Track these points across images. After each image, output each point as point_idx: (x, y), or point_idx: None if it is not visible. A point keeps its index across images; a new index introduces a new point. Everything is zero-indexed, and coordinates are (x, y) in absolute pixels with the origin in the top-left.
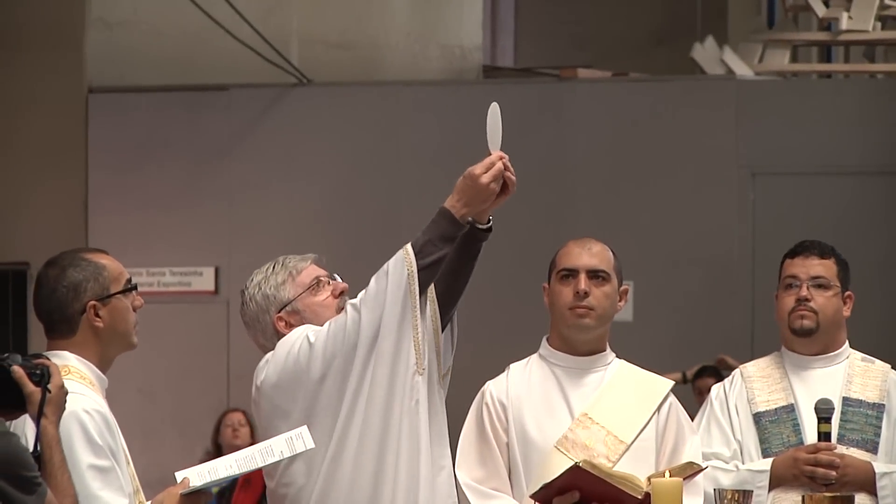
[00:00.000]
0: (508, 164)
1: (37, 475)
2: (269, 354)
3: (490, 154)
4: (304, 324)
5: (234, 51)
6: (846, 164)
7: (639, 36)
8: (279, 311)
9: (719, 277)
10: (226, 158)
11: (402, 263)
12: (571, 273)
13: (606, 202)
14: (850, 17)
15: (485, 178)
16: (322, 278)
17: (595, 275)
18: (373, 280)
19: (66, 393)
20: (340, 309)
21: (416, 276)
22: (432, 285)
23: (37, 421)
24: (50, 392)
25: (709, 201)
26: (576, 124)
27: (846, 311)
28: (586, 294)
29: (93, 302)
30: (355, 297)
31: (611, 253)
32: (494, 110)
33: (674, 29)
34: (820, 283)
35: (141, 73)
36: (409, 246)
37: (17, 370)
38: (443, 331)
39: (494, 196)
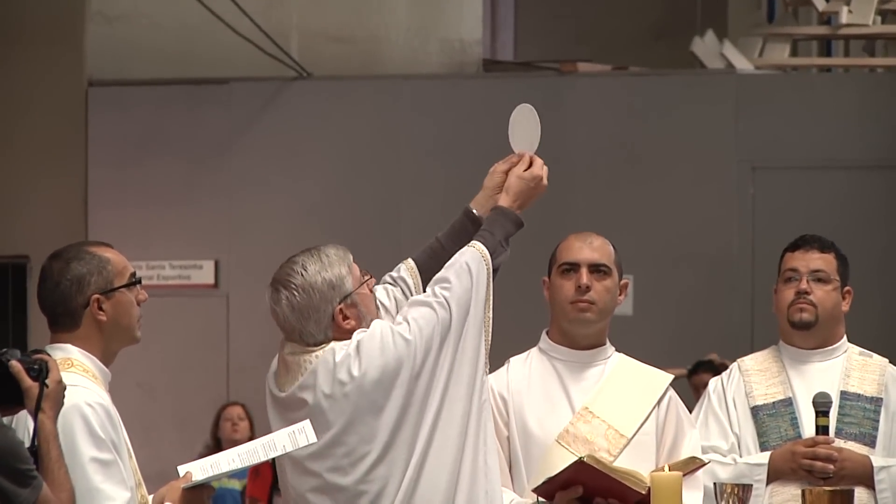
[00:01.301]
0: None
1: (32, 468)
2: (337, 346)
3: (520, 152)
4: (359, 317)
5: (234, 44)
6: (846, 158)
7: (639, 30)
8: (341, 302)
9: (719, 271)
10: (226, 152)
11: (482, 263)
12: (573, 267)
13: (606, 196)
14: (850, 12)
15: (545, 180)
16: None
17: (596, 269)
18: (453, 277)
19: (64, 388)
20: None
21: (491, 276)
22: None
23: (34, 416)
24: (48, 387)
25: (708, 195)
26: (576, 118)
27: (845, 306)
28: (588, 288)
29: (96, 295)
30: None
31: (611, 247)
32: (527, 111)
33: (674, 23)
34: (819, 277)
35: (141, 66)
36: (481, 246)
37: (15, 365)
38: None
39: None
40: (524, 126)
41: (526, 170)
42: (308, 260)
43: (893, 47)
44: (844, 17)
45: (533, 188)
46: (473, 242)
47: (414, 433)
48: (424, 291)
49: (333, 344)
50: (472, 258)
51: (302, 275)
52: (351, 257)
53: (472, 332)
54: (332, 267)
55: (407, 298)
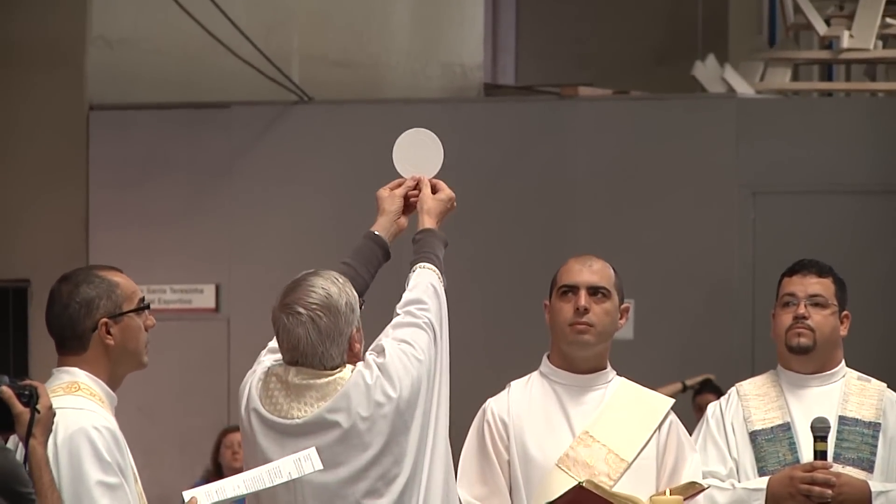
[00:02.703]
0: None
1: (31, 491)
2: (365, 368)
3: (419, 176)
4: (362, 340)
5: (235, 69)
6: (847, 182)
7: (640, 54)
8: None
9: (720, 296)
10: (227, 176)
11: (440, 284)
12: (572, 289)
13: (607, 220)
14: (851, 36)
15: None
16: None
17: (595, 291)
18: (426, 298)
19: (55, 414)
20: None
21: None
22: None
23: (25, 442)
24: (38, 413)
25: (709, 220)
26: (576, 142)
27: (843, 331)
28: (586, 310)
29: (105, 319)
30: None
31: (612, 270)
32: (428, 137)
33: (675, 47)
34: (818, 302)
35: (142, 90)
36: (433, 267)
37: (6, 391)
38: None
39: None
40: (425, 151)
41: (434, 192)
42: (325, 283)
43: (894, 71)
44: (846, 42)
45: (450, 208)
46: (424, 264)
47: (425, 452)
48: None
49: (350, 366)
50: (434, 280)
51: (327, 297)
52: None
53: (446, 350)
54: (348, 290)
55: None
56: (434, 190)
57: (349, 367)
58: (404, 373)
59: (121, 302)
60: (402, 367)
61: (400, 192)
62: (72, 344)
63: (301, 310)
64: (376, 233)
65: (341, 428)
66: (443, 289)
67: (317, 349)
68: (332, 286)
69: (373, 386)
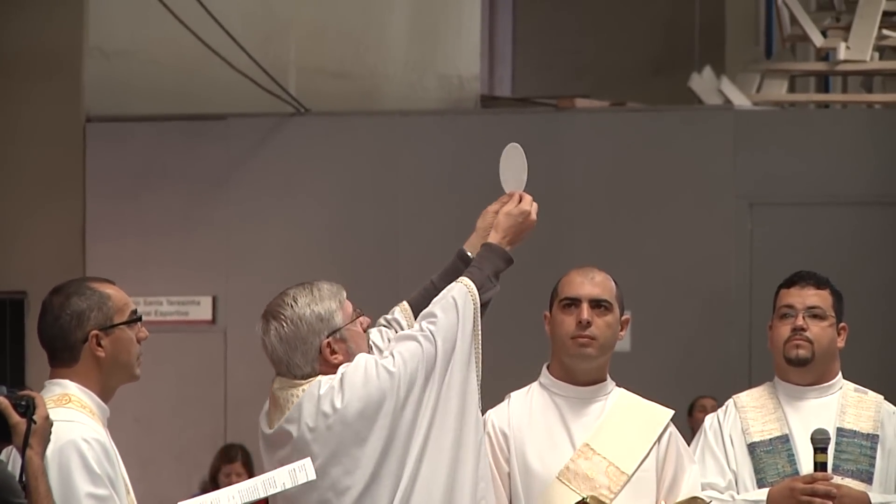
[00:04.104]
0: None
1: (23, 502)
2: (324, 380)
3: (510, 191)
4: (347, 352)
5: (231, 80)
6: (844, 194)
7: (637, 66)
8: (329, 336)
9: (717, 307)
10: (223, 187)
11: (468, 298)
12: (574, 302)
13: (604, 232)
14: (847, 48)
15: (534, 215)
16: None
17: (597, 304)
18: (439, 312)
19: (52, 424)
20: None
21: (479, 311)
22: None
23: (22, 452)
24: (35, 423)
25: (706, 231)
26: (573, 154)
27: (840, 343)
28: (589, 324)
29: (95, 331)
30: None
31: (613, 282)
32: (514, 151)
33: (671, 59)
34: (815, 314)
35: (138, 102)
36: (469, 281)
37: (3, 401)
38: None
39: None
40: (512, 165)
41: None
42: (299, 293)
43: (891, 83)
44: (842, 54)
45: (521, 223)
46: (461, 278)
47: (399, 465)
48: None
49: (320, 377)
50: (459, 293)
51: (291, 306)
52: (344, 294)
53: (459, 366)
54: (322, 301)
55: None
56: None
57: (319, 377)
58: (361, 385)
59: (112, 314)
60: (361, 379)
61: (491, 208)
62: (63, 356)
63: (270, 318)
64: (465, 250)
65: (293, 438)
66: (472, 302)
67: (282, 358)
68: (304, 297)
69: (323, 396)
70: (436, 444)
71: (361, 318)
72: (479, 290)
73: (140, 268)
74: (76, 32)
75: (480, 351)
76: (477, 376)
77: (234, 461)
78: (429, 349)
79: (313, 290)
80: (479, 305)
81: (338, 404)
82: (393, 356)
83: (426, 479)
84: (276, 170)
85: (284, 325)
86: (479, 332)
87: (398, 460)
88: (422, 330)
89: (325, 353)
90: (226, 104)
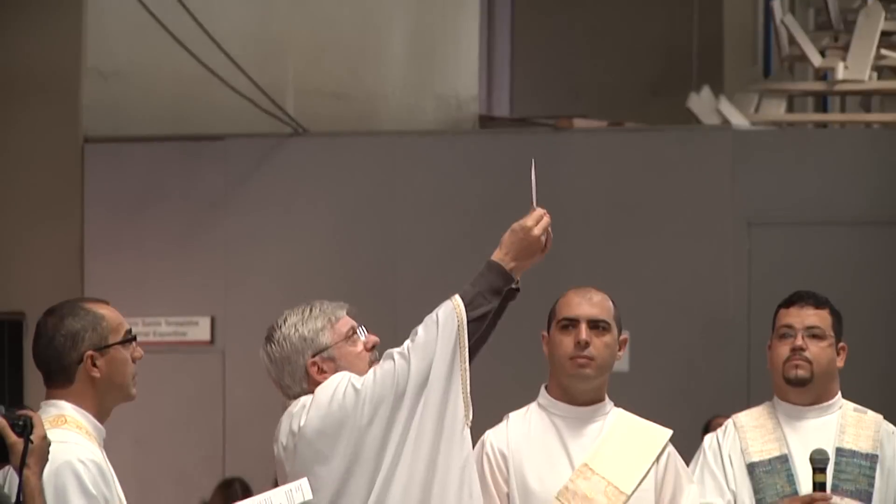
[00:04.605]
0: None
1: None
2: (304, 399)
3: (534, 209)
4: (336, 371)
5: (230, 101)
6: (843, 214)
7: (635, 86)
8: (314, 356)
9: (715, 327)
10: (222, 208)
11: (453, 314)
12: (572, 322)
13: (602, 252)
14: (846, 67)
15: (537, 231)
16: (356, 329)
17: (596, 324)
18: (420, 329)
19: (49, 444)
20: (373, 362)
21: (465, 327)
22: None
23: (19, 471)
24: (32, 443)
25: (704, 251)
26: (572, 174)
27: (840, 362)
28: (587, 344)
29: (90, 352)
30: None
31: (611, 302)
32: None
33: (670, 79)
34: (815, 334)
35: (137, 123)
36: (457, 297)
37: (0, 421)
38: None
39: (542, 250)
40: (532, 182)
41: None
42: (292, 313)
43: (890, 103)
44: (841, 73)
45: (521, 239)
46: (454, 295)
47: (368, 483)
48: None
49: (302, 397)
50: (444, 310)
51: (280, 327)
52: (341, 312)
53: (437, 384)
54: (309, 321)
55: None
56: None
57: (303, 396)
58: (326, 403)
59: (106, 334)
60: (327, 398)
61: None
62: (58, 377)
63: (265, 340)
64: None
65: (275, 457)
66: (456, 319)
67: (275, 378)
68: (293, 317)
69: (294, 415)
70: (408, 463)
71: (365, 338)
72: (467, 306)
73: (138, 288)
74: (74, 53)
75: (468, 367)
76: (464, 394)
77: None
78: (402, 367)
79: (306, 310)
80: (464, 322)
81: (302, 423)
82: (369, 374)
83: (396, 499)
84: (274, 190)
85: (274, 346)
86: (466, 349)
87: (366, 479)
88: (401, 347)
89: (312, 373)
90: (224, 125)
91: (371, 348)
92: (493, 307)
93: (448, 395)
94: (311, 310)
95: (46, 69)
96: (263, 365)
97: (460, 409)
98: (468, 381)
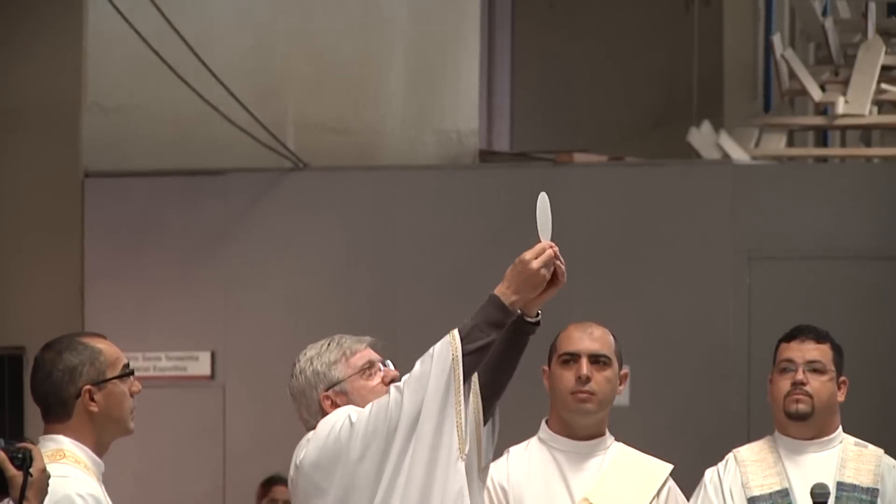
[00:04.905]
0: (559, 254)
1: None
2: (310, 433)
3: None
4: (349, 405)
5: (230, 136)
6: (843, 248)
7: (635, 120)
8: (327, 390)
9: (715, 361)
10: (222, 242)
11: (448, 348)
12: (573, 357)
13: (602, 286)
14: (846, 102)
15: (535, 264)
16: (376, 363)
17: (596, 359)
18: (418, 362)
19: (49, 477)
20: None
21: (460, 360)
22: (476, 375)
23: None
24: (32, 476)
25: (705, 285)
26: (572, 208)
27: (840, 396)
28: (588, 379)
29: (88, 386)
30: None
31: (611, 337)
32: (544, 200)
33: (670, 113)
34: (815, 368)
35: (137, 157)
36: (455, 331)
37: None
38: (485, 424)
39: (544, 284)
40: (540, 215)
41: None
42: (311, 347)
43: (890, 137)
44: (841, 108)
45: (520, 272)
46: (453, 329)
47: None
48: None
49: (311, 431)
50: (440, 343)
51: (299, 361)
52: (359, 347)
53: (431, 416)
54: (324, 354)
55: None
56: None
57: (313, 430)
58: (323, 437)
59: (104, 368)
60: (326, 431)
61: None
62: (56, 412)
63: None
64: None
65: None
66: (450, 352)
67: (297, 411)
68: (312, 351)
69: (299, 448)
70: (401, 494)
71: (386, 372)
72: (464, 339)
73: (138, 323)
74: (74, 87)
75: (462, 401)
76: (458, 427)
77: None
78: (396, 400)
79: (325, 344)
80: (459, 356)
81: (300, 456)
82: (368, 407)
83: None
84: (274, 224)
85: (293, 380)
86: (461, 382)
87: None
88: (398, 382)
89: (325, 407)
90: (224, 159)
91: (389, 382)
92: (492, 340)
93: (442, 428)
94: (329, 343)
95: (47, 103)
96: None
97: (455, 443)
98: (463, 415)
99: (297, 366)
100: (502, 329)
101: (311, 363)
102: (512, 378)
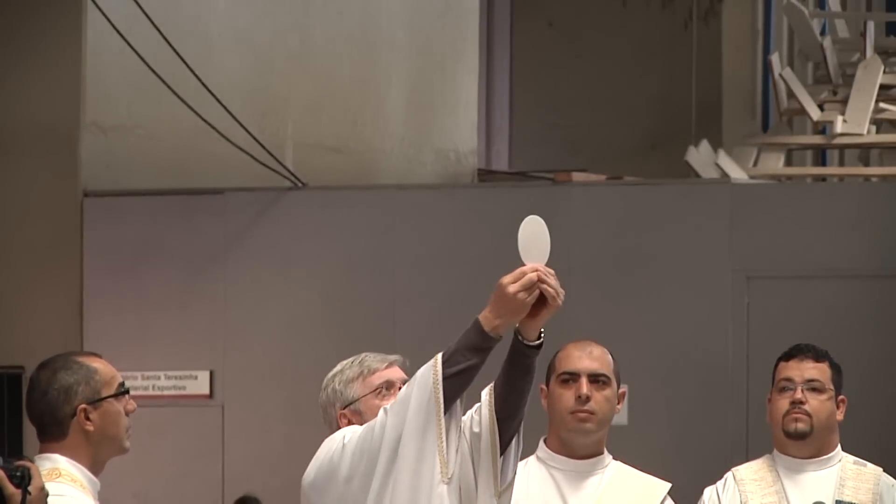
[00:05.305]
0: (546, 277)
1: None
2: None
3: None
4: (362, 424)
5: (229, 155)
6: (841, 267)
7: (633, 140)
8: (344, 408)
9: (714, 381)
10: (221, 262)
11: (430, 371)
12: (572, 377)
13: (600, 305)
14: (844, 121)
15: (511, 288)
16: (395, 382)
17: (596, 378)
18: (405, 386)
19: (47, 495)
20: None
21: (440, 384)
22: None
23: None
24: (30, 494)
25: (703, 304)
26: (570, 228)
27: (839, 415)
28: (588, 398)
29: (83, 405)
30: None
31: (610, 356)
32: (531, 223)
33: (668, 133)
34: (814, 387)
35: (136, 177)
36: (439, 354)
37: None
38: (506, 447)
39: (526, 307)
40: (522, 238)
41: None
42: (339, 364)
43: (888, 156)
44: (839, 127)
45: (499, 295)
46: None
47: None
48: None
49: None
50: (424, 367)
51: (326, 377)
52: (379, 366)
53: (412, 438)
54: (346, 371)
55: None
56: None
57: None
58: (322, 456)
59: (99, 387)
60: (325, 451)
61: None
62: (52, 430)
63: None
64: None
65: None
66: (431, 374)
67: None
68: (338, 367)
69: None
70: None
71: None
72: (445, 363)
73: (138, 342)
74: (73, 107)
75: (443, 423)
76: (440, 451)
77: None
78: (381, 422)
79: (350, 361)
80: (440, 379)
81: (305, 475)
82: (359, 429)
83: None
84: (273, 243)
85: (320, 395)
86: (441, 405)
87: None
88: (388, 404)
89: (342, 424)
90: (223, 178)
91: None
92: (473, 364)
93: (424, 451)
94: (353, 361)
95: (45, 123)
96: None
97: (437, 466)
98: (444, 438)
99: (324, 382)
100: (484, 353)
101: (333, 380)
102: (527, 399)
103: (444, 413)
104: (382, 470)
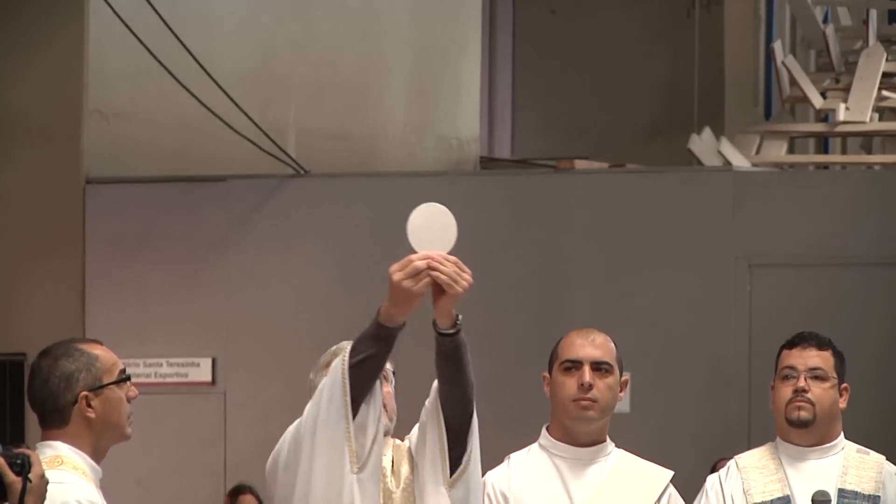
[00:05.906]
0: (438, 266)
1: None
2: None
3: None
4: None
5: (231, 142)
6: (843, 255)
7: (636, 127)
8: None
9: (716, 368)
10: (223, 249)
11: (339, 361)
12: (575, 364)
13: (603, 293)
14: (847, 109)
15: (395, 276)
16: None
17: (598, 366)
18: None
19: (47, 482)
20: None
21: (346, 373)
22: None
23: None
24: (31, 482)
25: (705, 292)
26: (573, 215)
27: (842, 403)
28: (591, 386)
29: (85, 392)
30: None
31: (612, 344)
32: (421, 211)
33: (671, 120)
34: (817, 375)
35: (138, 164)
36: (349, 344)
37: None
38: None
39: (414, 295)
40: (413, 227)
41: None
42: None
43: (890, 144)
44: (842, 115)
45: (389, 284)
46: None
47: None
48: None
49: None
50: (338, 358)
51: None
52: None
53: (326, 427)
54: (318, 361)
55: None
56: None
57: None
58: (275, 448)
59: (101, 374)
60: (278, 442)
61: None
62: (53, 418)
63: None
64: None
65: None
66: (340, 364)
67: None
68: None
69: None
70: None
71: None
72: (351, 352)
73: (139, 329)
74: (75, 94)
75: (350, 416)
76: (348, 442)
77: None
78: (305, 412)
79: (329, 351)
80: (346, 368)
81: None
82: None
83: None
84: (275, 231)
85: None
86: (348, 395)
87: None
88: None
89: None
90: (226, 166)
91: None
92: (373, 353)
93: (335, 440)
94: (330, 351)
95: (48, 111)
96: None
97: (346, 456)
98: (351, 427)
99: None
100: (383, 342)
101: (312, 369)
102: (468, 388)
103: (361, 402)
104: (306, 460)
